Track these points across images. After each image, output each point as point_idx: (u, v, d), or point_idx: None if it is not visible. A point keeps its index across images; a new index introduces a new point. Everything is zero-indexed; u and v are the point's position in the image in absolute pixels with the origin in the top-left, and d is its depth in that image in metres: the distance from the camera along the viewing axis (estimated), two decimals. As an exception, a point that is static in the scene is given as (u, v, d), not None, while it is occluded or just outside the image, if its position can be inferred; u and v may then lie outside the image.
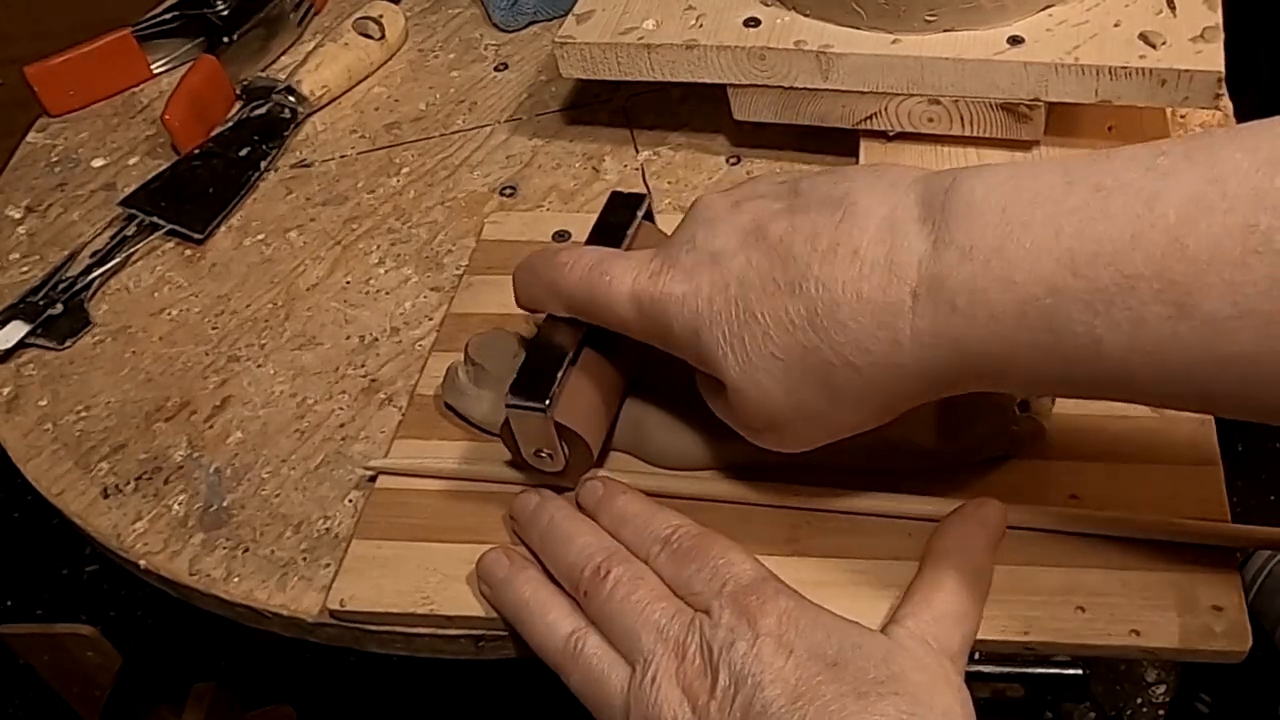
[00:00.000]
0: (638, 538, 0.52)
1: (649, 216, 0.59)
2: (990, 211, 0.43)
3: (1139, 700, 1.32)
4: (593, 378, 0.55)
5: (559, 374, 0.53)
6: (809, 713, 0.43)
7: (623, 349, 0.56)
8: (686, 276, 0.49)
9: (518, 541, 0.56)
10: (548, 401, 0.52)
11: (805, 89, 0.70)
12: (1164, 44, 0.64)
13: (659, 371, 0.59)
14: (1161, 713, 1.24)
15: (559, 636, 0.51)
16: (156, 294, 0.74)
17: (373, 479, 0.60)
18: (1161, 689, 1.29)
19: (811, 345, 0.46)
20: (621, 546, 0.52)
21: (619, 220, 0.58)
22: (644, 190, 0.60)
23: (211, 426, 0.66)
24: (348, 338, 0.69)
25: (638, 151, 0.78)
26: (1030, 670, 0.52)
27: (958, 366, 0.44)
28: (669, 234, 0.54)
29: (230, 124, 0.84)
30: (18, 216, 0.81)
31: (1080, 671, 0.53)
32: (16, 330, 0.72)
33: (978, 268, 0.42)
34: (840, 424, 0.49)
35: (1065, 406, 0.56)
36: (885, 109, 0.70)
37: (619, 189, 0.60)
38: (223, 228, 0.77)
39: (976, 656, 0.50)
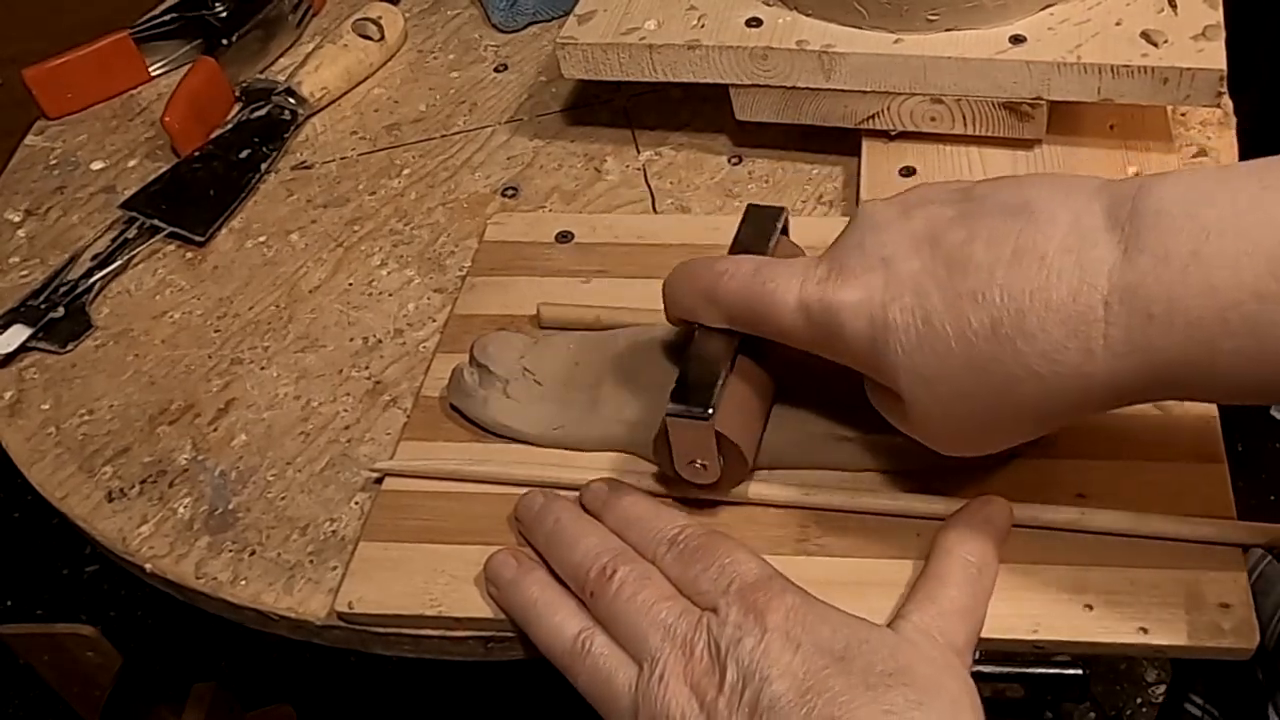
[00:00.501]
0: (644, 538, 0.52)
1: (785, 230, 0.58)
2: (1182, 218, 0.42)
3: (1139, 700, 1.32)
4: (749, 387, 0.54)
5: (719, 383, 0.52)
6: (817, 705, 0.44)
7: (771, 358, 0.55)
8: (858, 283, 0.48)
9: (524, 543, 0.56)
10: (710, 410, 0.51)
11: (807, 89, 0.70)
12: (1166, 42, 0.65)
13: (666, 372, 0.59)
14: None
15: (566, 637, 0.51)
16: (158, 297, 0.74)
17: (379, 481, 0.60)
18: (1161, 689, 1.30)
19: (994, 355, 0.45)
20: (627, 547, 0.52)
21: (758, 232, 0.57)
22: (749, 204, 0.59)
23: (216, 429, 0.66)
24: (351, 340, 0.69)
25: (639, 152, 0.78)
26: (1030, 670, 0.52)
27: (1150, 376, 0.44)
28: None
29: (230, 126, 0.84)
30: (17, 220, 0.81)
31: (1080, 671, 0.53)
32: (18, 334, 0.71)
33: (1174, 275, 0.42)
34: (1017, 433, 0.48)
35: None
36: (887, 108, 0.70)
37: (755, 202, 0.59)
38: (224, 230, 0.77)
39: (978, 655, 0.50)
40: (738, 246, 0.57)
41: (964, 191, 0.49)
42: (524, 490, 0.57)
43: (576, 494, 0.56)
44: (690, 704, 0.46)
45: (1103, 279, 0.43)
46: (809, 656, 0.45)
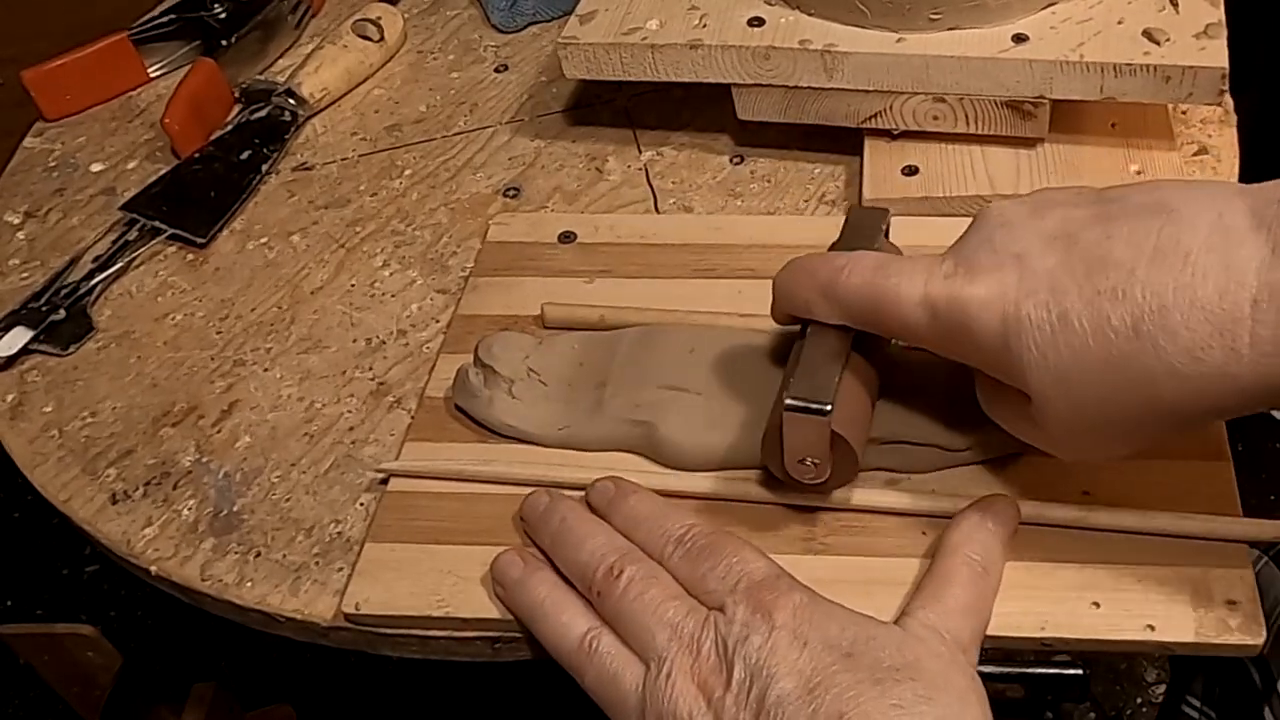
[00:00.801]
0: (651, 538, 0.52)
1: (887, 232, 0.58)
2: None
3: (1139, 700, 1.32)
4: (861, 386, 0.53)
5: (837, 379, 0.51)
6: (825, 701, 0.44)
7: (878, 356, 0.55)
8: (989, 279, 0.47)
9: (530, 543, 0.56)
10: (830, 407, 0.50)
11: (810, 88, 0.70)
12: (1168, 40, 0.65)
13: (673, 370, 0.60)
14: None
15: (573, 637, 0.51)
16: (160, 298, 0.74)
17: (384, 482, 0.60)
18: (1161, 689, 1.30)
19: (1134, 353, 0.44)
20: (634, 546, 0.52)
21: (863, 233, 0.56)
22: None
23: (219, 431, 0.66)
24: (354, 341, 0.69)
25: (641, 152, 0.78)
26: (1030, 670, 0.52)
27: None
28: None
29: (230, 127, 0.83)
30: (17, 222, 0.81)
31: (1080, 671, 0.54)
32: (19, 336, 0.71)
33: None
34: (1150, 435, 0.47)
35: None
36: (890, 107, 0.70)
37: (860, 205, 0.58)
38: (225, 231, 0.77)
39: (984, 653, 0.51)
40: (842, 247, 0.55)
41: (1095, 193, 0.48)
42: (530, 490, 0.57)
43: (582, 493, 0.56)
44: (697, 702, 0.46)
45: (1251, 277, 0.42)
46: (816, 654, 0.45)
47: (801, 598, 0.48)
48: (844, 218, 0.58)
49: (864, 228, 0.57)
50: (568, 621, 0.51)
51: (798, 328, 0.59)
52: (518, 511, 0.57)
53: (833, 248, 0.56)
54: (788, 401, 0.50)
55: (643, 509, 0.54)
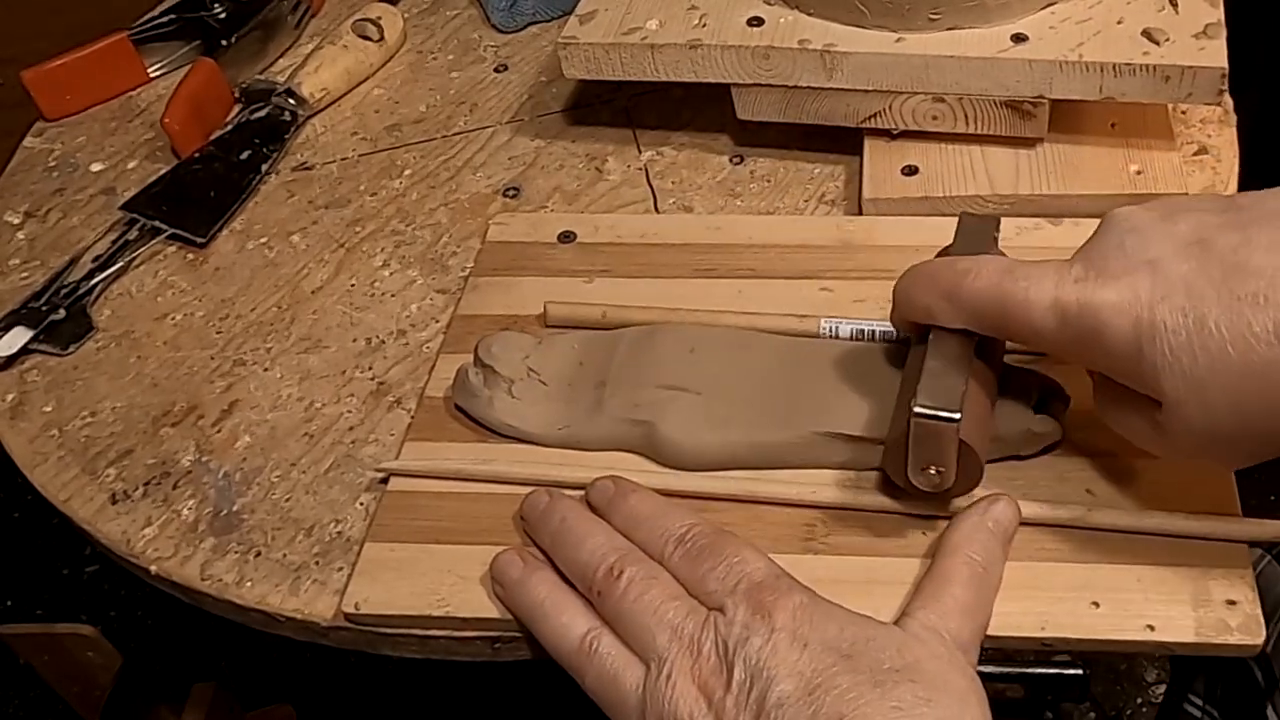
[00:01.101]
0: (651, 537, 0.52)
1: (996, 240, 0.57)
2: None
3: (1139, 700, 1.32)
4: (983, 392, 0.53)
5: (965, 387, 0.50)
6: (825, 702, 0.44)
7: (995, 362, 0.55)
8: (1121, 283, 0.46)
9: (530, 542, 0.56)
10: (959, 415, 0.49)
11: (809, 88, 0.70)
12: (1167, 40, 0.65)
13: (673, 371, 0.60)
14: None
15: (573, 637, 0.51)
16: (159, 298, 0.74)
17: (384, 481, 0.60)
18: (1161, 689, 1.30)
19: (1275, 360, 0.43)
20: (634, 547, 0.52)
21: (978, 240, 0.56)
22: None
23: (219, 431, 0.66)
24: (354, 340, 0.69)
25: (640, 152, 0.78)
26: (1030, 670, 0.52)
27: None
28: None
29: (230, 127, 0.83)
30: (16, 222, 0.81)
31: (1080, 671, 0.54)
32: (19, 336, 0.71)
33: None
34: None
35: (1078, 404, 0.56)
36: (889, 107, 0.70)
37: (968, 211, 0.57)
38: (225, 231, 0.77)
39: (984, 653, 0.51)
40: (955, 254, 0.55)
41: (1226, 200, 0.48)
42: (530, 490, 0.57)
43: (582, 493, 0.56)
44: (698, 703, 0.46)
45: None
46: (816, 655, 0.45)
47: (801, 598, 0.48)
48: (955, 224, 0.57)
49: (976, 234, 0.56)
50: (567, 622, 0.51)
51: (800, 331, 0.60)
52: (518, 511, 0.57)
53: (944, 254, 0.56)
54: (916, 409, 0.49)
55: (643, 508, 0.54)
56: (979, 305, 0.51)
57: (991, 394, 0.54)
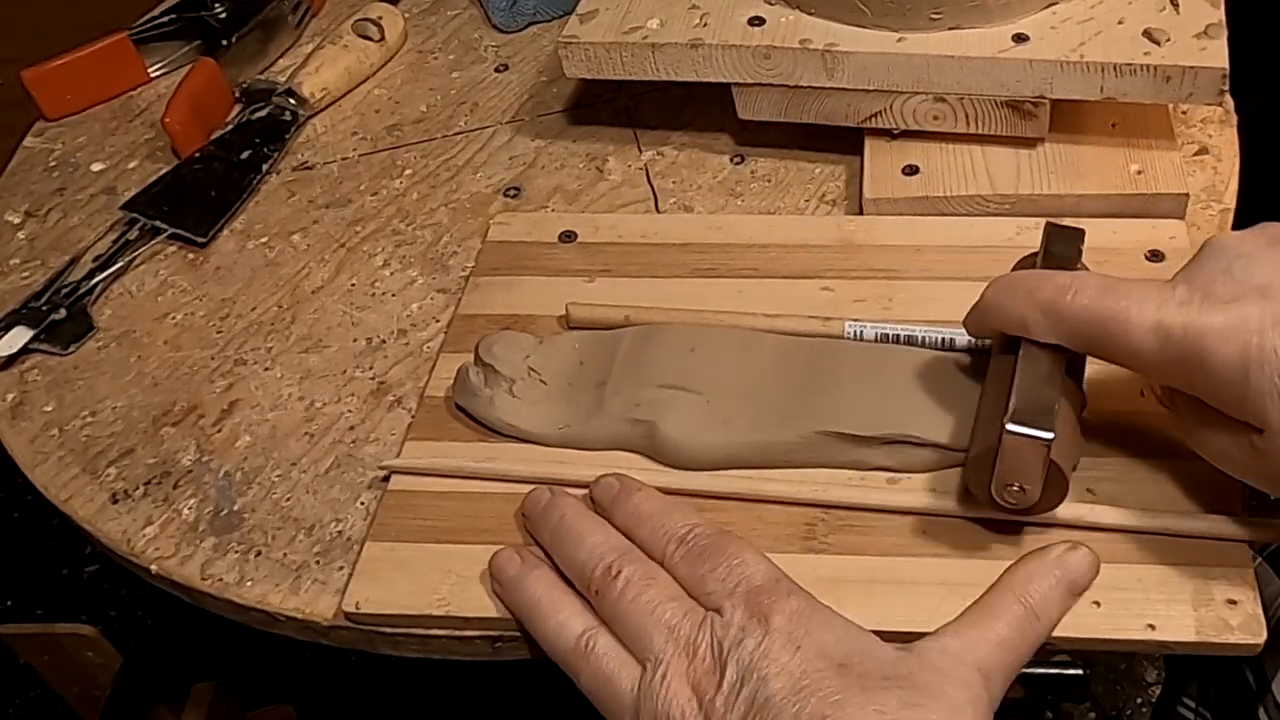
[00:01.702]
0: (653, 535, 0.52)
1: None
2: None
3: (1139, 700, 1.32)
4: (1072, 410, 0.52)
5: (1056, 405, 0.49)
6: (810, 703, 0.44)
7: (1081, 380, 0.54)
8: (1230, 309, 0.46)
9: (531, 541, 0.56)
10: (1053, 434, 0.48)
11: (810, 88, 0.70)
12: (1168, 41, 0.65)
13: (675, 370, 0.60)
14: (1160, 714, 1.24)
15: (570, 636, 0.51)
16: (160, 298, 0.74)
17: (385, 480, 0.60)
18: (1161, 689, 1.30)
19: None
20: (633, 546, 0.52)
21: (1065, 254, 0.55)
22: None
23: (220, 430, 0.65)
24: (355, 340, 0.69)
25: (641, 151, 0.78)
26: (1030, 670, 0.52)
27: None
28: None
29: (230, 127, 0.83)
30: (17, 221, 0.81)
31: (1080, 671, 0.53)
32: (20, 336, 0.71)
33: None
34: None
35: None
36: (890, 107, 0.70)
37: (1054, 220, 0.56)
38: (225, 231, 0.77)
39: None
40: (1042, 266, 0.54)
41: None
42: (531, 488, 0.57)
43: (585, 491, 0.56)
44: (690, 704, 0.46)
45: None
46: (808, 659, 0.46)
47: (799, 603, 0.48)
48: (1042, 235, 0.56)
49: (1065, 246, 0.55)
50: (564, 621, 0.51)
51: (804, 333, 0.59)
52: (519, 510, 0.57)
53: (1021, 265, 0.55)
54: (1009, 426, 0.49)
55: (646, 506, 0.54)
56: (1078, 323, 0.50)
57: (1079, 413, 0.53)
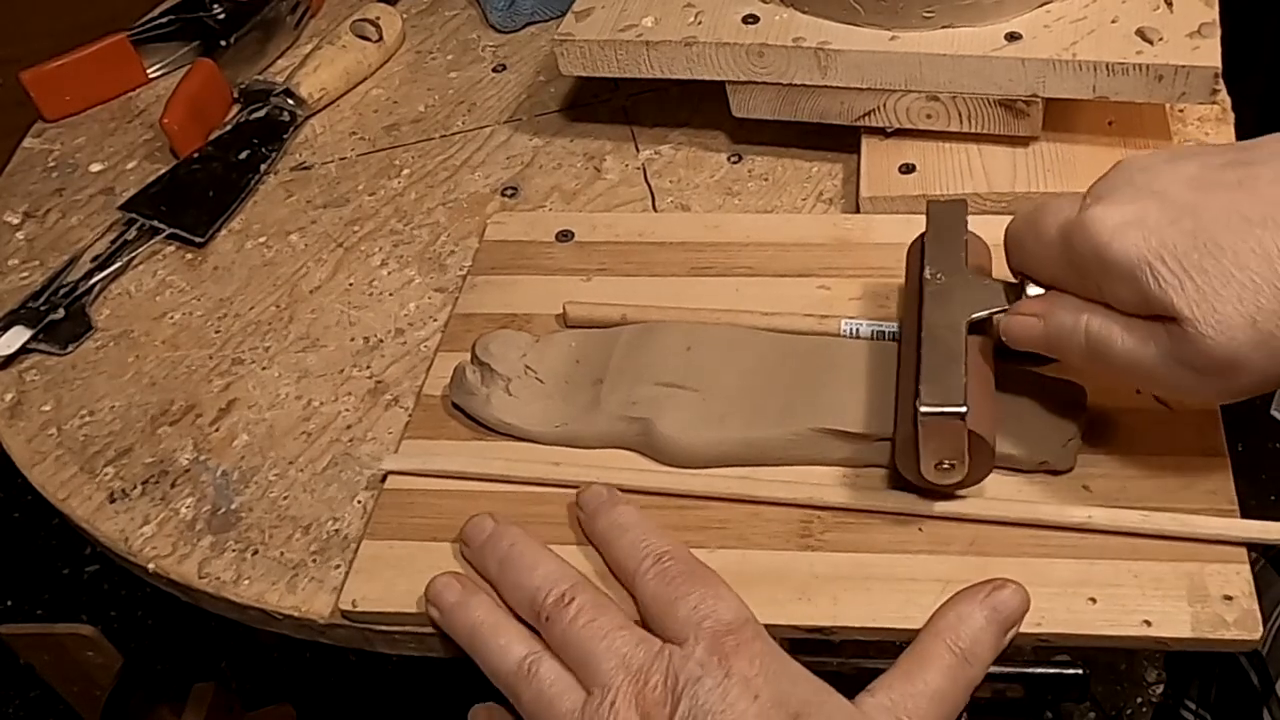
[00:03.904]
0: (632, 547, 0.52)
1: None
2: None
3: (1139, 700, 1.32)
4: (981, 379, 0.53)
5: (965, 378, 0.51)
6: None
7: (988, 343, 0.55)
8: (1126, 208, 0.47)
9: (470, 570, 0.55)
10: (965, 408, 0.50)
11: (804, 85, 0.70)
12: (1161, 40, 0.65)
13: (670, 369, 0.60)
14: (1160, 715, 1.24)
15: (513, 659, 0.50)
16: (158, 298, 0.74)
17: (382, 479, 0.60)
18: (1161, 689, 1.30)
19: None
20: (585, 578, 0.52)
21: (953, 225, 0.57)
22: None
23: (217, 429, 0.66)
24: (352, 339, 0.69)
25: (639, 151, 0.78)
26: (1030, 670, 0.52)
27: None
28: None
29: (229, 127, 0.84)
30: (16, 222, 0.81)
31: (1080, 671, 0.54)
32: (18, 336, 0.71)
33: None
34: None
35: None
36: (883, 105, 0.70)
37: (935, 198, 0.59)
38: (223, 231, 0.77)
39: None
40: (931, 245, 0.56)
41: (1229, 144, 0.50)
42: (531, 487, 0.58)
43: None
44: None
45: None
46: (765, 709, 0.46)
47: (762, 648, 0.48)
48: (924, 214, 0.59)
49: (949, 223, 0.58)
50: (505, 645, 0.51)
51: (799, 331, 0.60)
52: (517, 510, 0.56)
53: (912, 246, 0.58)
54: (922, 409, 0.50)
55: (630, 518, 0.54)
56: (1008, 237, 0.53)
57: (990, 377, 0.54)
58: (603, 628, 0.49)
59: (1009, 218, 0.66)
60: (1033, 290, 0.53)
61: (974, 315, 0.54)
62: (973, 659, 0.49)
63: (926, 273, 0.55)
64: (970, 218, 0.64)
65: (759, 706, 0.45)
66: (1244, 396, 0.49)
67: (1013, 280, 0.54)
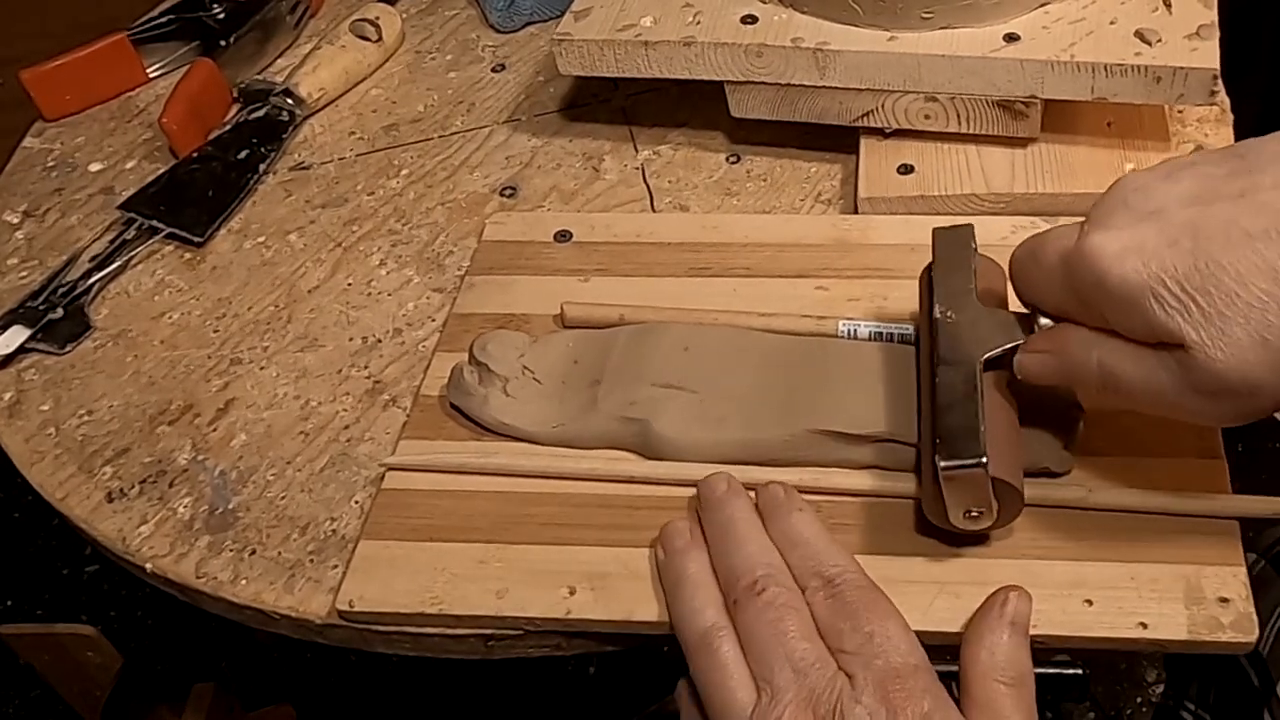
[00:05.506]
0: (803, 565, 0.51)
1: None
2: None
3: (1139, 700, 1.32)
4: (1003, 416, 0.52)
5: (981, 424, 0.50)
6: None
7: (1005, 376, 0.54)
8: (1124, 234, 0.46)
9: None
10: (984, 459, 0.49)
11: (802, 86, 0.70)
12: (1159, 41, 0.65)
13: (668, 370, 0.60)
14: (1160, 715, 1.24)
15: (701, 624, 0.50)
16: (157, 297, 0.74)
17: (380, 479, 0.60)
18: (1161, 689, 1.30)
19: None
20: (784, 568, 0.51)
21: (960, 254, 0.56)
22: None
23: (215, 429, 0.66)
24: (350, 339, 0.69)
25: (637, 151, 0.78)
26: (1030, 670, 0.52)
27: None
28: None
29: (228, 127, 0.84)
30: (15, 221, 0.81)
31: (1080, 671, 0.54)
32: (17, 335, 0.72)
33: None
34: None
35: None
36: (882, 106, 0.70)
37: (940, 224, 0.58)
38: (222, 231, 0.77)
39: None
40: (940, 270, 0.56)
41: (1226, 150, 0.48)
42: (530, 488, 0.58)
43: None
44: None
45: None
46: None
47: (929, 704, 0.46)
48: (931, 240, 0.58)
49: (956, 249, 0.57)
50: (699, 608, 0.51)
51: (797, 332, 0.60)
52: (516, 510, 0.56)
53: (926, 270, 0.57)
54: (941, 464, 0.49)
55: (804, 532, 0.53)
56: (1011, 263, 0.52)
57: (1013, 412, 0.53)
58: (786, 631, 0.48)
59: (1008, 218, 0.67)
60: (1045, 321, 0.51)
61: (987, 354, 0.52)
62: (1023, 679, 0.48)
63: (936, 311, 0.54)
64: (970, 218, 0.65)
65: None
66: (1269, 414, 0.47)
67: (1024, 311, 0.53)
